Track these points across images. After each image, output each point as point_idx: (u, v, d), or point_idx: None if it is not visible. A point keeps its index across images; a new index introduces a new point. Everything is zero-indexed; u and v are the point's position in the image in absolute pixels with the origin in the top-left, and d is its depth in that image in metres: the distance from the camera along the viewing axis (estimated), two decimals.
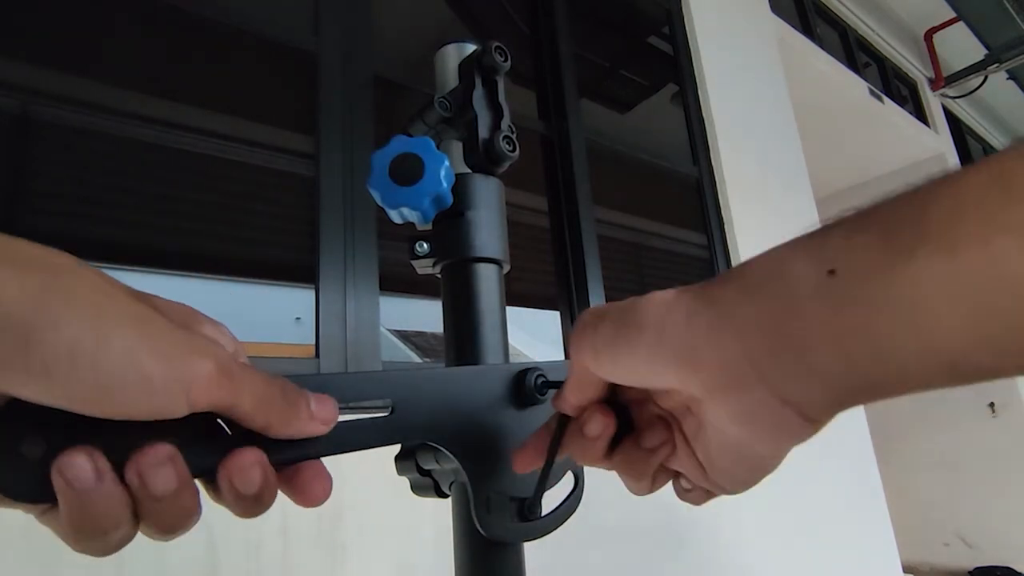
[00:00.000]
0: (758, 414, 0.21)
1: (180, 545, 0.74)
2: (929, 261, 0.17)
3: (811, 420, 0.21)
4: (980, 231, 0.16)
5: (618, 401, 0.28)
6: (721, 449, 0.24)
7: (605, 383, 0.26)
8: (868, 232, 0.18)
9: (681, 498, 0.29)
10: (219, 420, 0.24)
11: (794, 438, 0.22)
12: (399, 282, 1.22)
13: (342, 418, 0.29)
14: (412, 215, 0.40)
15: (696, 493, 0.28)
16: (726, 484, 0.26)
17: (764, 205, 2.09)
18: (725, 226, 1.95)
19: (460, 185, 0.41)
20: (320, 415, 0.25)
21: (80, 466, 0.20)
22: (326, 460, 0.28)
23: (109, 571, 0.70)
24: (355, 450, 0.29)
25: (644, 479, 0.28)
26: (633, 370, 0.24)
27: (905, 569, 2.01)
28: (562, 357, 1.49)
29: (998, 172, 0.17)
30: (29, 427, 0.20)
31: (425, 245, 0.41)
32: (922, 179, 0.19)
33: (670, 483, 0.30)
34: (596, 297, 1.52)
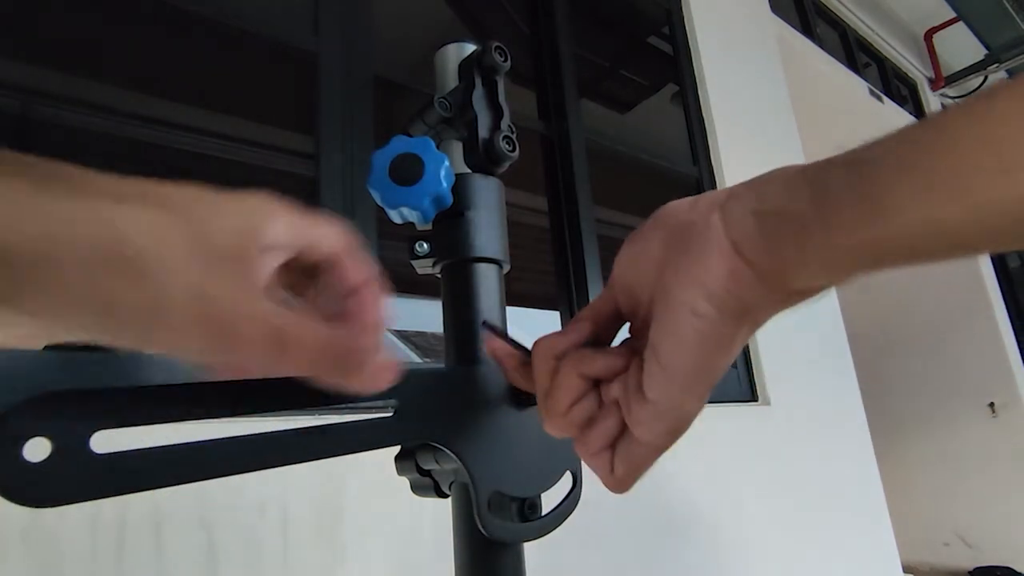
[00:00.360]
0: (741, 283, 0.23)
1: (180, 544, 0.74)
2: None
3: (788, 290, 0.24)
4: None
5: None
6: (681, 347, 0.24)
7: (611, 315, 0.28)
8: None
9: (626, 468, 0.27)
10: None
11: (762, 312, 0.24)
12: (399, 282, 1.22)
13: (342, 419, 0.29)
14: (412, 215, 0.40)
15: (645, 449, 0.27)
16: (683, 399, 0.25)
17: None
18: None
19: (460, 185, 0.41)
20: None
21: None
22: (326, 462, 0.28)
23: (109, 571, 0.70)
24: (358, 451, 0.29)
25: (604, 441, 0.28)
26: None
27: (905, 569, 2.01)
28: None
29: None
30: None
31: (425, 245, 0.42)
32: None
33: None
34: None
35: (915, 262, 0.21)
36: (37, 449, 0.21)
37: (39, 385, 0.70)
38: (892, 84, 3.59)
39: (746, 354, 1.80)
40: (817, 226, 0.21)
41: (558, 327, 1.39)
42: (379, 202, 0.39)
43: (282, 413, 0.28)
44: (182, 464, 0.24)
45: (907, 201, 0.19)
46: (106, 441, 0.23)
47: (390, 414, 0.31)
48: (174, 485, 0.24)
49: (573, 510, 0.36)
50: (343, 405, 0.28)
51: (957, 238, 0.19)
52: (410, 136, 0.41)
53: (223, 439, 0.25)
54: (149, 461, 0.24)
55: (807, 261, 0.22)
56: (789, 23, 2.76)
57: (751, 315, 0.24)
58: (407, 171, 0.38)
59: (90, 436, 0.22)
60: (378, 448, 0.30)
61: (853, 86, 3.06)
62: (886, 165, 0.20)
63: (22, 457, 0.20)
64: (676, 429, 0.25)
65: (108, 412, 0.23)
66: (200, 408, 0.25)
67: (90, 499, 0.22)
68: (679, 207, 0.27)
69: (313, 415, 0.73)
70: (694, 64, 2.10)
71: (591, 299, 1.50)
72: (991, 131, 0.18)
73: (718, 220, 0.24)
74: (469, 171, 0.43)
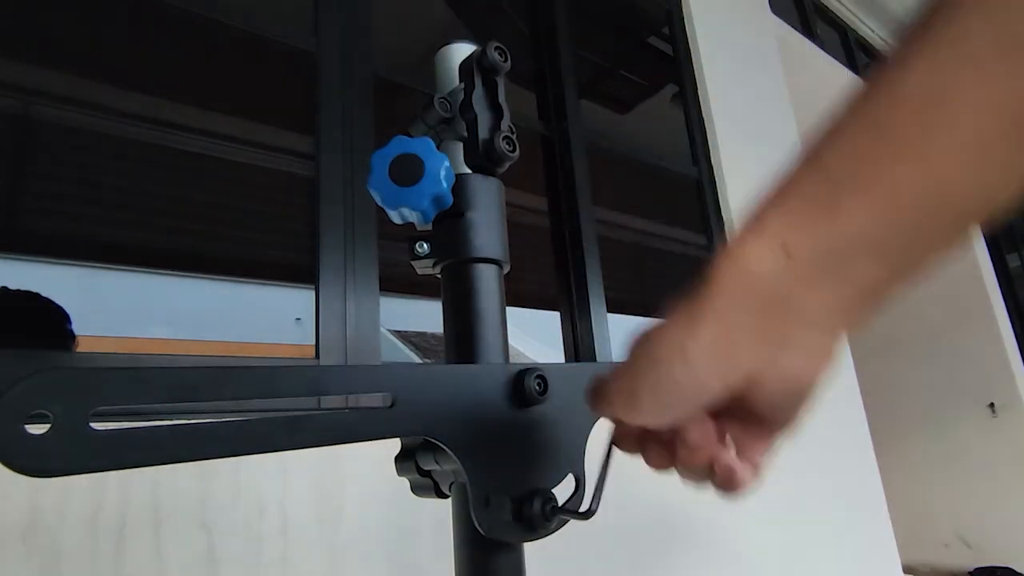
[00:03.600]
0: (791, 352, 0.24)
1: (180, 545, 0.74)
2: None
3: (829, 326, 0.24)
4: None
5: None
6: (773, 398, 0.25)
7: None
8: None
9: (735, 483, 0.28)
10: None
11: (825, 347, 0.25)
12: (399, 282, 1.22)
13: (338, 408, 0.29)
14: (412, 215, 0.40)
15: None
16: (786, 420, 0.27)
17: None
18: (725, 226, 1.95)
19: (460, 185, 0.41)
20: None
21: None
22: (324, 450, 0.28)
23: (109, 571, 0.70)
24: (354, 441, 0.29)
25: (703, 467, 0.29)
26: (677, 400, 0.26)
27: (905, 569, 2.01)
28: (562, 357, 1.49)
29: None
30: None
31: (425, 245, 0.41)
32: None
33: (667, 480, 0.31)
34: (596, 297, 1.52)
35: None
36: (39, 423, 0.22)
37: None
38: None
39: None
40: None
41: (558, 327, 1.38)
42: (379, 202, 0.39)
43: (278, 399, 0.28)
44: (178, 444, 0.25)
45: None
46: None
47: (389, 406, 0.31)
48: (170, 463, 0.25)
49: (576, 514, 0.36)
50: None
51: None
52: (410, 136, 0.41)
53: (219, 422, 0.26)
54: (146, 439, 0.24)
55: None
56: (789, 23, 2.76)
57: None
58: (407, 171, 0.38)
59: (89, 413, 0.23)
60: (373, 439, 0.30)
61: (853, 86, 3.06)
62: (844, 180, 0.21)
63: (24, 429, 0.21)
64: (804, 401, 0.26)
65: (108, 391, 0.24)
66: (197, 393, 0.26)
67: (88, 472, 0.23)
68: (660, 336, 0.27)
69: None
70: (694, 64, 2.10)
71: (591, 299, 1.50)
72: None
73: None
74: (469, 171, 0.43)
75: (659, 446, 0.29)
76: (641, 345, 0.27)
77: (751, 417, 0.27)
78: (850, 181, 0.21)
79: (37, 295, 0.85)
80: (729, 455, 0.27)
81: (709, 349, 0.24)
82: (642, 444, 0.30)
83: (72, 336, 0.86)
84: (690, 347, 0.24)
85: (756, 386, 0.24)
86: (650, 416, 0.27)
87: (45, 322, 0.86)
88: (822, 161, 0.22)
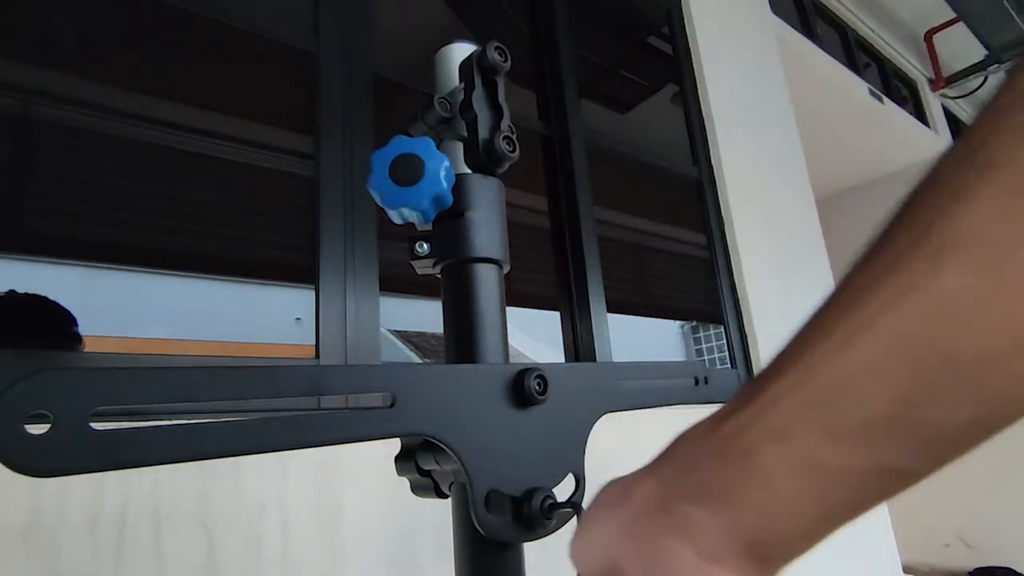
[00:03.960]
0: None
1: (180, 545, 0.74)
2: None
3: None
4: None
5: None
6: None
7: None
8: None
9: None
10: None
11: None
12: (399, 282, 1.22)
13: (338, 407, 0.29)
14: (412, 215, 0.40)
15: None
16: None
17: (764, 205, 2.09)
18: (725, 226, 1.95)
19: (460, 185, 0.41)
20: None
21: None
22: (324, 450, 0.28)
23: (109, 571, 0.70)
24: (354, 441, 0.29)
25: None
26: None
27: (905, 569, 2.01)
28: (562, 357, 1.49)
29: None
30: None
31: (425, 245, 0.41)
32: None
33: None
34: (596, 297, 1.52)
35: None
36: (39, 423, 0.22)
37: None
38: (892, 84, 3.59)
39: (746, 354, 1.80)
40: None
41: (558, 327, 1.38)
42: (379, 202, 0.39)
43: (278, 399, 0.28)
44: (178, 444, 0.25)
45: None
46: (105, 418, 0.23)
47: (389, 406, 0.31)
48: (170, 463, 0.25)
49: (577, 513, 0.36)
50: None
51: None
52: (410, 136, 0.41)
53: (219, 421, 0.26)
54: (146, 439, 0.24)
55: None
56: (789, 23, 2.77)
57: None
58: (407, 171, 0.38)
59: (89, 413, 0.23)
60: (373, 438, 0.30)
61: (853, 86, 3.06)
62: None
63: (24, 429, 0.21)
64: None
65: (108, 391, 0.24)
66: (197, 392, 0.26)
67: (88, 472, 0.23)
68: (613, 493, 0.26)
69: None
70: (694, 64, 2.10)
71: (591, 299, 1.50)
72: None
73: (669, 525, 0.23)
74: (469, 171, 0.43)
75: None
76: (632, 530, 0.24)
77: None
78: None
79: (44, 298, 0.85)
80: None
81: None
82: None
83: (79, 338, 0.86)
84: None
85: None
86: None
87: (52, 324, 0.86)
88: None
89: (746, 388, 0.23)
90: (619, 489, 0.26)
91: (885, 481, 0.20)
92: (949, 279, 0.17)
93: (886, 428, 0.19)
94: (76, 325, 0.86)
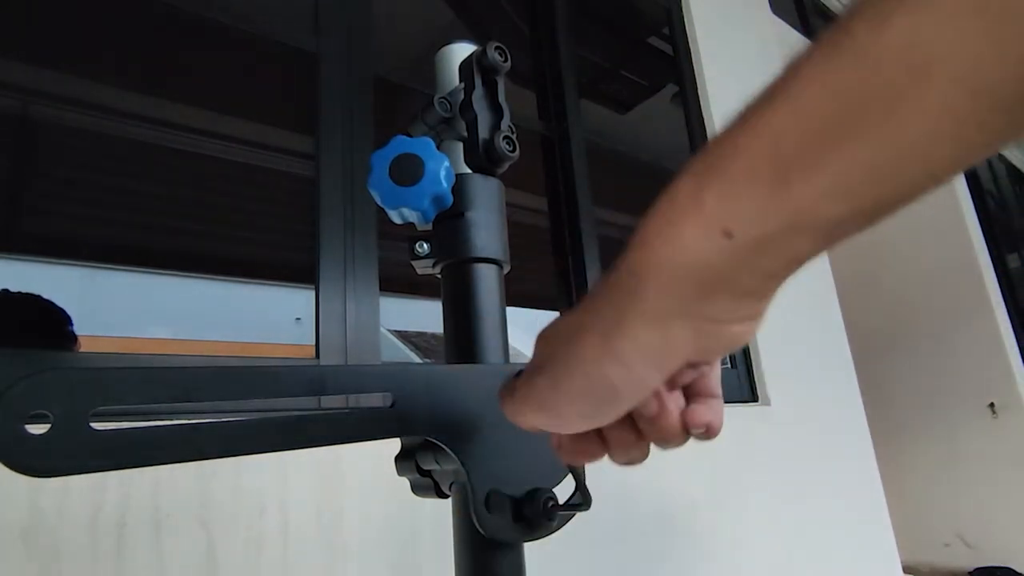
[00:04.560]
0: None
1: (180, 545, 0.74)
2: None
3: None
4: None
5: None
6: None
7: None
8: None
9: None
10: None
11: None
12: (399, 282, 1.22)
13: (339, 408, 0.29)
14: (412, 215, 0.40)
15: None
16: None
17: None
18: None
19: (460, 185, 0.41)
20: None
21: None
22: (324, 450, 0.28)
23: (109, 571, 0.70)
24: (354, 441, 0.29)
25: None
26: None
27: (905, 569, 2.01)
28: None
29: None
30: None
31: (425, 245, 0.41)
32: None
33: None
34: None
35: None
36: (39, 423, 0.22)
37: None
38: None
39: (746, 354, 1.80)
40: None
41: None
42: (379, 202, 0.39)
43: (277, 400, 0.28)
44: (178, 444, 0.25)
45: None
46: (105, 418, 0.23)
47: (389, 406, 0.31)
48: (170, 463, 0.25)
49: (577, 512, 0.36)
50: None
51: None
52: (410, 136, 0.41)
53: (219, 421, 0.26)
54: (146, 439, 0.24)
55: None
56: (789, 23, 2.76)
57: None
58: (407, 171, 0.38)
59: (90, 413, 0.23)
60: (374, 439, 0.30)
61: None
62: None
63: (24, 429, 0.21)
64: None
65: (107, 391, 0.24)
66: (197, 392, 0.26)
67: (88, 472, 0.23)
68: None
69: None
70: (694, 64, 2.10)
71: None
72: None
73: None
74: (469, 171, 0.43)
75: (618, 433, 0.28)
76: (552, 343, 0.26)
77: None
78: (803, 158, 0.19)
79: (38, 297, 0.85)
80: (694, 408, 0.27)
81: (645, 345, 0.22)
82: (587, 447, 0.28)
83: (74, 338, 0.86)
84: (621, 346, 0.23)
85: (696, 361, 0.24)
86: (578, 423, 0.26)
87: (46, 323, 0.86)
88: (771, 130, 0.19)
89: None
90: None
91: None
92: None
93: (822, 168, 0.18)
94: (71, 324, 0.86)
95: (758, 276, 0.21)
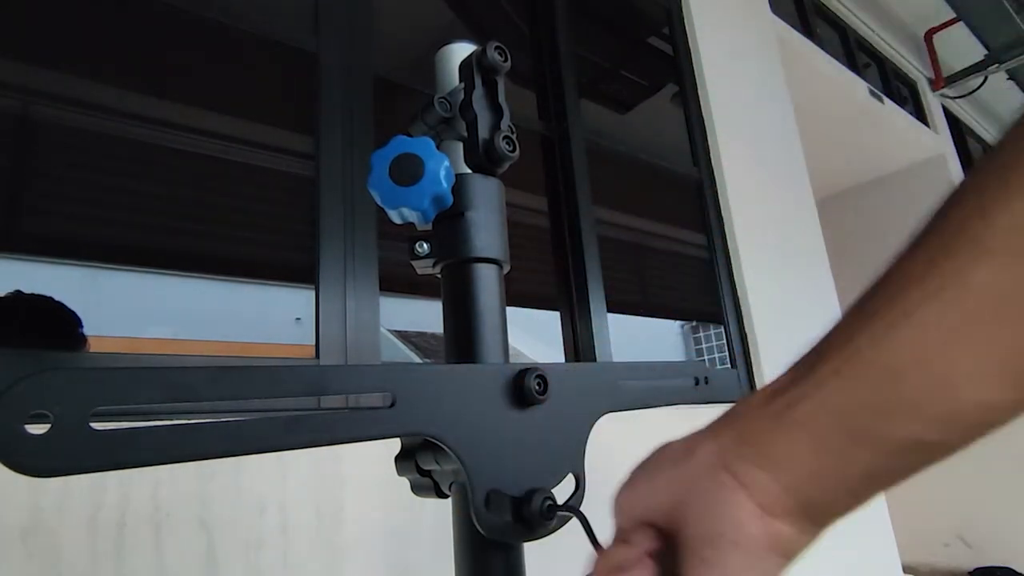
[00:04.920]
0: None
1: (180, 545, 0.74)
2: None
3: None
4: None
5: None
6: None
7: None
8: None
9: None
10: None
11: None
12: (399, 282, 1.22)
13: (338, 407, 0.29)
14: (412, 215, 0.40)
15: None
16: None
17: (764, 205, 2.09)
18: (725, 226, 1.95)
19: (460, 185, 0.41)
20: None
21: None
22: (324, 450, 0.28)
23: (109, 571, 0.70)
24: (354, 441, 0.29)
25: None
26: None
27: (905, 569, 2.01)
28: (562, 357, 1.49)
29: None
30: None
31: (425, 245, 0.42)
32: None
33: None
34: (596, 297, 1.52)
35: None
36: (39, 423, 0.22)
37: None
38: (892, 84, 3.59)
39: (746, 354, 1.80)
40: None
41: (558, 327, 1.37)
42: (379, 202, 0.39)
43: (277, 399, 0.28)
44: (178, 444, 0.25)
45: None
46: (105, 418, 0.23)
47: (389, 406, 0.31)
48: (170, 463, 0.25)
49: (576, 513, 0.36)
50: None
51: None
52: (410, 136, 0.41)
53: (219, 421, 0.26)
54: (146, 439, 0.24)
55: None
56: (789, 24, 2.76)
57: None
58: (407, 171, 0.38)
59: (90, 413, 0.23)
60: (373, 439, 0.30)
61: (853, 86, 3.06)
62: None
63: (24, 429, 0.21)
64: None
65: (108, 391, 0.24)
66: (197, 392, 0.26)
67: (88, 472, 0.23)
68: (675, 451, 0.29)
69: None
70: (694, 64, 2.10)
71: (591, 299, 1.50)
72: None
73: (731, 482, 0.25)
74: (469, 171, 0.43)
75: None
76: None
77: None
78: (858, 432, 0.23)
79: (50, 299, 0.86)
80: None
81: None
82: None
83: (84, 339, 0.87)
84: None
85: None
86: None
87: (58, 325, 0.86)
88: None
89: (792, 371, 0.25)
90: (680, 448, 0.28)
91: (922, 452, 0.22)
92: (983, 274, 0.20)
93: (924, 407, 0.21)
94: (81, 326, 0.86)
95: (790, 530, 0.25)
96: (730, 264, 1.91)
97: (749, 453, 0.25)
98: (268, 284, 1.13)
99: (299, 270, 1.08)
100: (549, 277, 1.55)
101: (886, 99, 3.25)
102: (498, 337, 0.41)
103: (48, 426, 0.22)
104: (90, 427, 0.23)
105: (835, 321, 0.25)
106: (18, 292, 0.83)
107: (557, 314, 1.53)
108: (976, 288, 0.20)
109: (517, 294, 1.50)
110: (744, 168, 2.07)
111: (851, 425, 0.23)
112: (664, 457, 0.29)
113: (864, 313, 0.23)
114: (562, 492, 0.37)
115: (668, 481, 0.27)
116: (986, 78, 3.74)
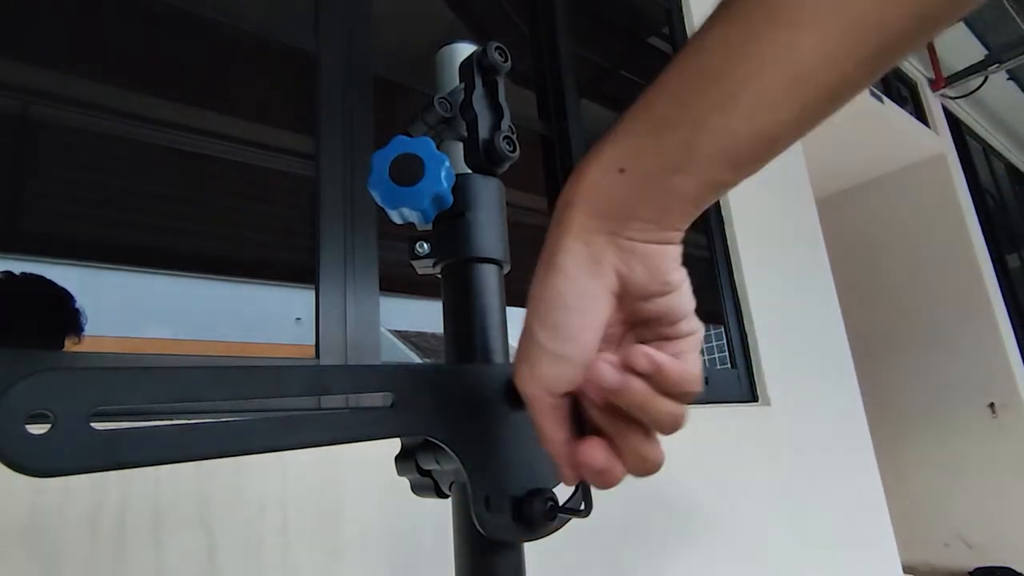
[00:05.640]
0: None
1: (180, 545, 0.74)
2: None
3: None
4: None
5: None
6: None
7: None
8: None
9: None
10: None
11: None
12: (399, 282, 1.22)
13: (338, 408, 0.29)
14: (412, 215, 0.40)
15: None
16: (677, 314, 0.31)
17: (764, 205, 2.09)
18: (725, 226, 1.95)
19: (460, 185, 0.41)
20: None
21: None
22: (324, 450, 0.28)
23: (109, 571, 0.70)
24: (354, 441, 0.29)
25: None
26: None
27: (905, 569, 2.01)
28: None
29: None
30: None
31: (425, 245, 0.42)
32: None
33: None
34: None
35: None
36: (39, 423, 0.22)
37: None
38: (892, 84, 3.59)
39: (746, 354, 1.80)
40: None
41: None
42: (379, 202, 0.39)
43: (277, 399, 0.28)
44: (178, 444, 0.25)
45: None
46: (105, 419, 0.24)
47: (389, 406, 0.31)
48: (170, 463, 0.25)
49: (575, 511, 0.36)
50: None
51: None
52: (410, 136, 0.41)
53: (219, 421, 0.26)
54: (146, 439, 0.24)
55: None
56: None
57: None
58: (407, 171, 0.38)
59: (90, 413, 0.23)
60: (373, 439, 0.30)
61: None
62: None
63: (24, 429, 0.21)
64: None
65: (108, 391, 0.24)
66: (197, 392, 0.26)
67: (88, 472, 0.23)
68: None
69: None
70: None
71: None
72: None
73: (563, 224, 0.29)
74: (469, 171, 0.43)
75: (614, 428, 0.28)
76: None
77: (654, 331, 0.30)
78: (667, 119, 0.27)
79: (41, 277, 0.86)
80: (635, 349, 0.27)
81: (576, 254, 0.28)
82: (592, 452, 0.29)
83: (78, 314, 0.87)
84: (561, 259, 0.28)
85: (628, 284, 0.28)
86: (557, 357, 0.28)
87: (52, 305, 0.86)
88: (645, 98, 0.29)
89: (624, 126, 0.29)
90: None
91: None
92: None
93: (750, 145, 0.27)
94: (75, 301, 0.87)
95: (652, 207, 0.28)
96: (730, 264, 1.91)
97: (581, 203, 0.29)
98: (268, 284, 1.13)
99: (299, 270, 1.08)
100: None
101: (886, 99, 3.25)
102: (498, 337, 0.41)
103: (48, 426, 0.22)
104: (90, 427, 0.23)
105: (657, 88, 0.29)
106: (8, 273, 0.83)
107: None
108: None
109: (517, 294, 1.50)
110: None
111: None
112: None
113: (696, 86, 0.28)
114: (562, 492, 0.37)
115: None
116: (986, 78, 3.74)
